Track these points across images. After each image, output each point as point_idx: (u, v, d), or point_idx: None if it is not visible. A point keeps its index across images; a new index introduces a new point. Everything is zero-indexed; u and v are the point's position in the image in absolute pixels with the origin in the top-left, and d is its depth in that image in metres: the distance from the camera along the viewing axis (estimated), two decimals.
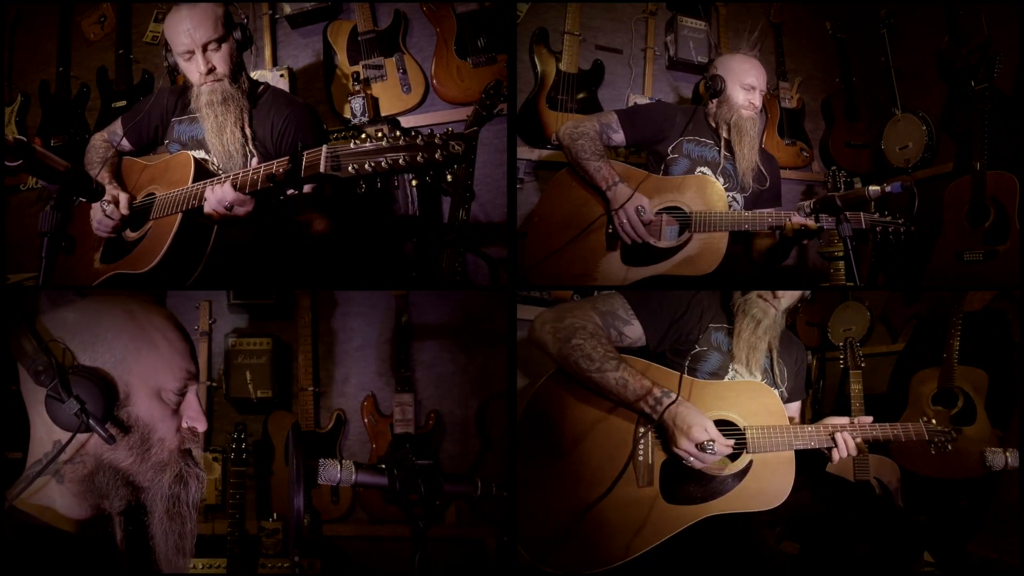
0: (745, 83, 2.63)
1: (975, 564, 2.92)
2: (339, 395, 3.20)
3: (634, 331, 2.10)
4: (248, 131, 2.30)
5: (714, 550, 1.94)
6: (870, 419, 2.10)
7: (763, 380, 2.14)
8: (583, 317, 2.00)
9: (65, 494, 1.20)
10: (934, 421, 2.13)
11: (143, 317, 1.24)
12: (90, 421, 1.14)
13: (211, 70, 2.22)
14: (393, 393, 3.10)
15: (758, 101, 2.65)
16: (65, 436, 1.16)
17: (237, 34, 2.27)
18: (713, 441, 1.89)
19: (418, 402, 3.12)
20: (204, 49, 2.20)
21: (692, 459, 1.92)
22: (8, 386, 3.01)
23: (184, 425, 1.25)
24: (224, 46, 2.23)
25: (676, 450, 1.92)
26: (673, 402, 1.92)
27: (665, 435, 1.96)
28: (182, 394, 1.25)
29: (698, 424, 1.90)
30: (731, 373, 2.15)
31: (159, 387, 1.22)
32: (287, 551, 1.25)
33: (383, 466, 1.42)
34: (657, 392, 1.93)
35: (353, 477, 1.39)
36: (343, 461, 1.38)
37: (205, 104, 2.24)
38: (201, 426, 1.27)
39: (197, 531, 1.27)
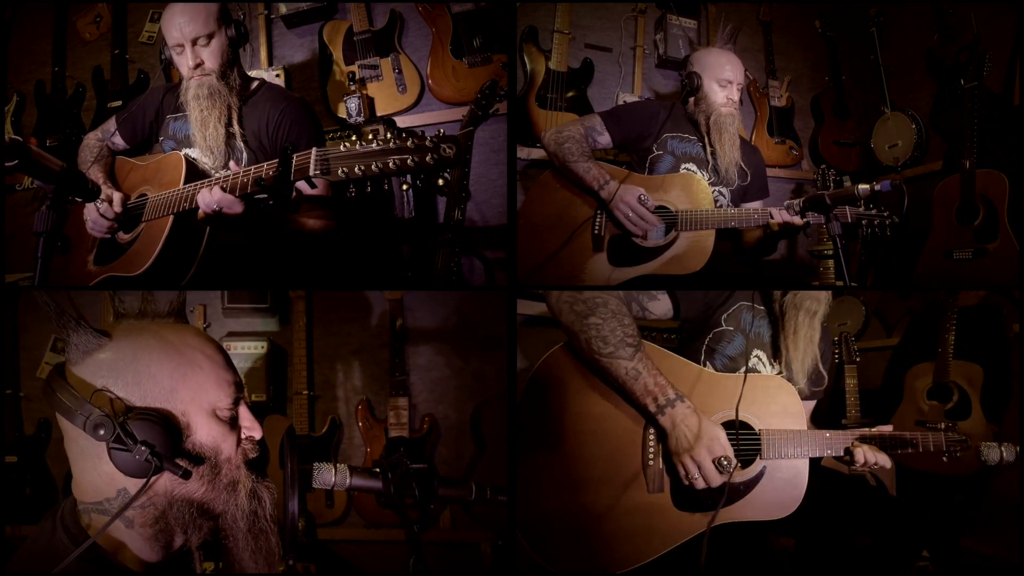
0: (721, 79, 2.64)
1: (970, 559, 2.92)
2: (334, 399, 3.19)
3: (659, 307, 2.02)
4: (236, 128, 2.29)
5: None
6: (890, 428, 1.99)
7: (806, 380, 2.03)
8: (607, 291, 1.84)
9: (136, 538, 1.15)
10: (942, 425, 2.01)
11: (177, 340, 1.18)
12: (163, 464, 1.09)
13: (199, 65, 2.23)
14: (388, 397, 3.09)
15: (736, 95, 2.65)
16: (130, 481, 1.11)
17: (231, 31, 2.27)
18: (728, 459, 1.73)
19: (413, 406, 3.11)
20: (193, 44, 2.21)
21: (699, 477, 1.75)
22: (4, 390, 3.02)
23: (242, 436, 1.22)
24: (214, 42, 2.23)
25: (685, 461, 1.75)
26: (685, 406, 1.76)
27: (667, 441, 1.79)
28: (235, 407, 1.21)
29: (714, 436, 1.75)
30: (752, 360, 2.03)
31: (213, 406, 1.18)
32: (282, 555, 1.26)
33: (378, 470, 1.38)
34: (671, 393, 1.75)
35: (348, 481, 1.36)
36: (338, 465, 1.35)
37: (192, 97, 2.25)
38: (257, 433, 1.24)
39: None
